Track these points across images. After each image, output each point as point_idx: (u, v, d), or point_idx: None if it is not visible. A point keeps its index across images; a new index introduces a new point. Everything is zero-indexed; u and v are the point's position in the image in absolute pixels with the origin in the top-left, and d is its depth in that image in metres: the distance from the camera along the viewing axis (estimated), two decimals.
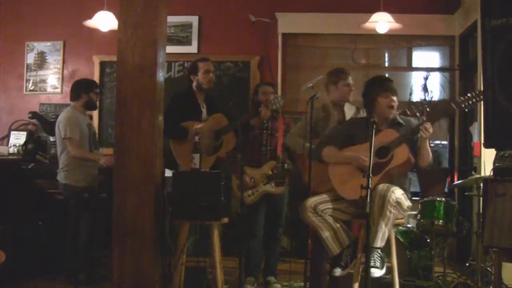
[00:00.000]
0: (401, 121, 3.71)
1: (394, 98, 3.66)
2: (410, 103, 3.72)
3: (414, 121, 3.75)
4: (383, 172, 3.49)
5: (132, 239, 3.52)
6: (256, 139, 4.73)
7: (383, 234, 3.38)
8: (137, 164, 3.55)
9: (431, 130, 3.48)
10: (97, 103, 5.08)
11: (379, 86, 3.69)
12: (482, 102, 3.91)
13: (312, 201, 3.59)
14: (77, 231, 4.62)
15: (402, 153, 3.50)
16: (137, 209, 3.53)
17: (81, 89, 4.91)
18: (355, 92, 4.28)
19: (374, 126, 3.26)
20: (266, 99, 4.61)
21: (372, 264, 3.18)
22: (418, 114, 3.64)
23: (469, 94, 3.56)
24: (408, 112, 3.90)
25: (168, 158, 4.07)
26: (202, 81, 4.45)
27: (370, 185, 3.05)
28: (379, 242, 3.38)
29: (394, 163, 3.51)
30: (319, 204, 3.57)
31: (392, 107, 3.64)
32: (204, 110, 4.50)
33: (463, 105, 3.53)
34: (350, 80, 4.28)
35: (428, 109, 3.51)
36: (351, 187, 3.53)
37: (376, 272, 3.32)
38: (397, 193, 3.37)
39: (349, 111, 4.30)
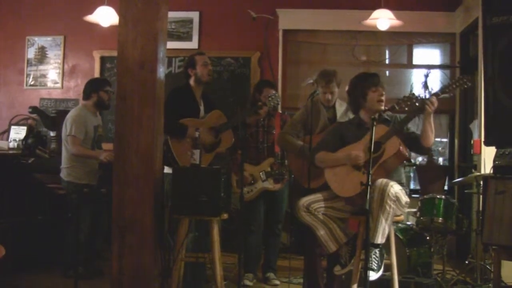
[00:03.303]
0: (387, 118, 3.73)
1: (383, 92, 3.69)
2: (399, 99, 3.72)
3: (400, 117, 3.75)
4: (377, 165, 3.48)
5: (132, 234, 3.51)
6: (252, 136, 4.74)
7: (383, 230, 3.35)
8: (137, 159, 3.54)
9: (436, 104, 3.48)
10: (109, 102, 4.90)
11: (369, 81, 3.72)
12: (476, 95, 3.90)
13: (305, 200, 3.59)
14: (77, 226, 4.62)
15: (393, 145, 3.50)
16: (137, 204, 3.52)
17: (91, 88, 4.89)
18: None
19: (375, 123, 3.27)
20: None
21: (368, 265, 3.17)
22: (406, 108, 3.64)
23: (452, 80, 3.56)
24: (397, 107, 3.90)
25: (165, 154, 4.06)
26: (202, 74, 4.39)
27: (369, 182, 3.06)
28: (380, 239, 3.35)
29: (386, 155, 3.50)
30: (312, 203, 3.57)
31: (381, 100, 3.67)
32: (201, 107, 4.46)
33: (447, 90, 3.53)
34: (334, 86, 4.25)
35: (417, 104, 3.50)
36: (347, 185, 3.53)
37: (372, 275, 3.28)
38: (396, 188, 3.35)
39: (340, 107, 4.30)
